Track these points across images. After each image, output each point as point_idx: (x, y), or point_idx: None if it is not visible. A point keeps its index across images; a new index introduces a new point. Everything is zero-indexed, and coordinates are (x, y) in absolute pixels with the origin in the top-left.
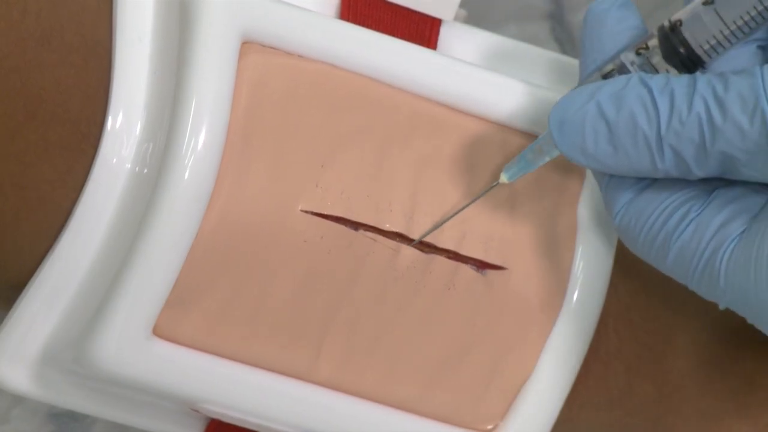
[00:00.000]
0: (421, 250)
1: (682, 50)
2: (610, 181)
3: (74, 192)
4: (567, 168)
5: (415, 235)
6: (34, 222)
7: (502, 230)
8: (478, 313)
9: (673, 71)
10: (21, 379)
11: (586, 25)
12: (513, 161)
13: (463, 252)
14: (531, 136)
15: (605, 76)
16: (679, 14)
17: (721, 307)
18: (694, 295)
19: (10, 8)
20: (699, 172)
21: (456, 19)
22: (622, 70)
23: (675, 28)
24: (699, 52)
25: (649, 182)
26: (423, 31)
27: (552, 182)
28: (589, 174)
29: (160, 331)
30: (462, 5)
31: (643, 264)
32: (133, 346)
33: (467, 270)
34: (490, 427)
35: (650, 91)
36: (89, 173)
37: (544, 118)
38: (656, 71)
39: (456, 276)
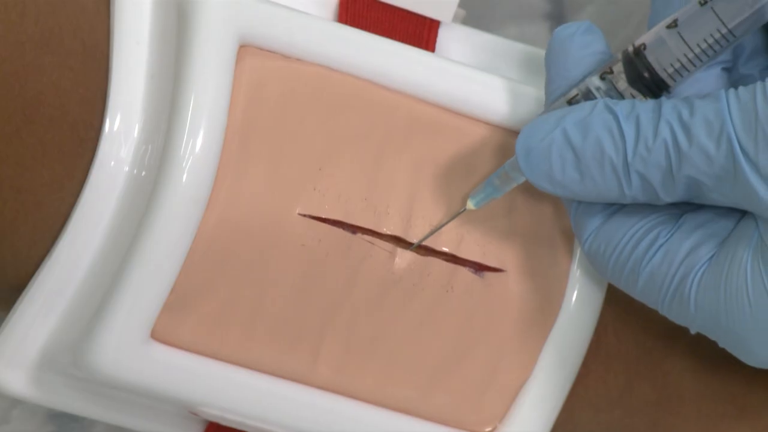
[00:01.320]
0: (419, 253)
1: (646, 74)
2: (579, 207)
3: (72, 195)
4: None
5: (413, 239)
6: (32, 225)
7: (499, 232)
8: (476, 316)
9: (638, 96)
10: (19, 382)
11: (550, 50)
12: (479, 187)
13: (461, 254)
14: None
15: (570, 102)
16: (643, 38)
17: (692, 331)
18: None
19: (8, 11)
20: (666, 198)
21: (455, 18)
22: (588, 95)
23: (639, 52)
24: (663, 75)
25: (617, 208)
26: (421, 33)
27: None
28: None
29: (158, 334)
30: (461, 5)
31: None
32: (131, 350)
33: (465, 272)
34: (489, 428)
35: (616, 118)
36: (87, 176)
37: None
38: (621, 96)
39: (454, 278)
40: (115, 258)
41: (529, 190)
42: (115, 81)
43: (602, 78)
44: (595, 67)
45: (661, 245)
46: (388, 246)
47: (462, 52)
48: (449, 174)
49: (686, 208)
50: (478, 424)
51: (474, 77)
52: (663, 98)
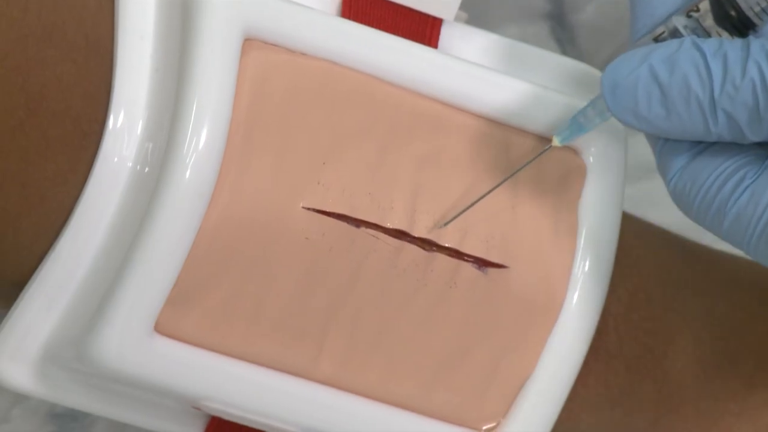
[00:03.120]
0: (423, 248)
1: (732, 13)
2: (664, 145)
3: (75, 190)
4: (568, 167)
5: (417, 233)
6: (36, 220)
7: (503, 229)
8: (480, 312)
9: (724, 34)
10: (22, 377)
11: None
12: (564, 124)
13: (465, 250)
14: (532, 135)
15: (657, 39)
16: None
17: None
18: (694, 295)
19: (11, 6)
20: (753, 137)
21: (456, 19)
22: (675, 33)
23: None
24: (750, 14)
25: (703, 147)
26: (424, 30)
27: (553, 181)
28: (589, 173)
29: (161, 328)
30: (462, 6)
31: (643, 264)
32: (134, 343)
33: (468, 268)
34: (491, 425)
35: (703, 55)
36: (90, 171)
37: (544, 116)
38: (708, 35)
39: (457, 274)
40: (118, 253)
41: (532, 186)
42: (119, 75)
43: (689, 16)
44: (681, 5)
45: (747, 186)
46: (392, 240)
47: (464, 50)
48: (453, 169)
49: None
50: (480, 421)
51: (478, 74)
52: (751, 37)
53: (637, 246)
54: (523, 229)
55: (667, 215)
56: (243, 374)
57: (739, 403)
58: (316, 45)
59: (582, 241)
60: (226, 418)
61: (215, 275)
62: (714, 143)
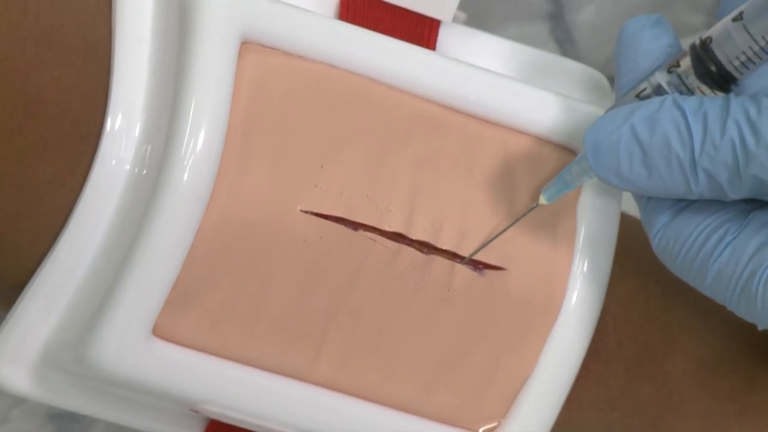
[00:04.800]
0: (420, 251)
1: (713, 68)
2: (648, 203)
3: (73, 192)
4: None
5: (414, 236)
6: (34, 222)
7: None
8: (478, 314)
9: (705, 89)
10: (21, 379)
11: (620, 44)
12: (551, 183)
13: (463, 253)
14: (531, 137)
15: (639, 96)
16: (710, 31)
17: (760, 328)
18: (693, 295)
19: (10, 8)
20: (734, 195)
21: (455, 19)
22: (658, 89)
23: (705, 45)
24: (729, 68)
25: (685, 204)
26: (422, 32)
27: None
28: None
29: (159, 331)
30: (461, 6)
31: (643, 264)
32: (132, 347)
33: (466, 271)
34: (490, 426)
35: (684, 115)
36: (89, 174)
37: (542, 117)
38: (690, 90)
39: (455, 276)
40: (116, 255)
41: (530, 188)
42: (117, 78)
43: (669, 72)
44: (665, 60)
45: (728, 243)
46: (390, 243)
47: (462, 51)
48: (451, 171)
49: (754, 204)
50: (479, 421)
51: (475, 76)
52: (731, 95)
53: (637, 246)
54: (522, 230)
55: None
56: (241, 377)
57: (739, 404)
58: (314, 48)
59: (581, 242)
60: (225, 420)
61: (213, 278)
62: (696, 200)
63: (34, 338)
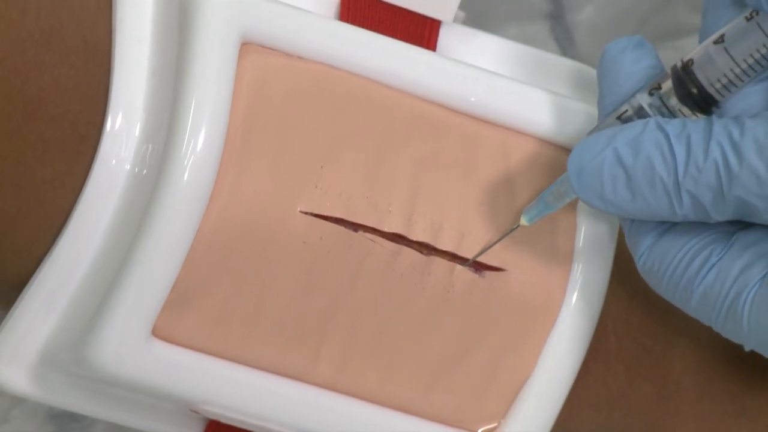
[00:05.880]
0: (420, 252)
1: (694, 90)
2: (632, 225)
3: (73, 193)
4: (565, 170)
5: (414, 237)
6: (33, 223)
7: (500, 231)
8: (478, 315)
9: (687, 111)
10: (20, 380)
11: (602, 66)
12: (532, 204)
13: (462, 253)
14: (531, 138)
15: (621, 118)
16: (691, 54)
17: (746, 349)
18: None
19: (9, 8)
20: (718, 217)
21: (454, 20)
22: (639, 111)
23: (687, 68)
24: (711, 91)
25: (670, 225)
26: (422, 32)
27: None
28: None
29: (159, 332)
30: (461, 6)
31: None
32: (132, 347)
33: (466, 272)
34: (490, 427)
35: (667, 137)
36: (88, 174)
37: (541, 117)
38: (671, 112)
39: (455, 277)
40: (116, 256)
41: (530, 189)
42: (116, 79)
43: (651, 94)
44: (647, 81)
45: (713, 264)
46: (389, 244)
47: (463, 51)
48: (451, 172)
49: (739, 225)
50: (479, 422)
51: (475, 76)
52: (714, 117)
53: None
54: (522, 231)
55: None
56: (241, 377)
57: (738, 405)
58: (314, 48)
59: (581, 243)
60: (224, 421)
61: (213, 278)
62: (680, 222)
63: (33, 338)
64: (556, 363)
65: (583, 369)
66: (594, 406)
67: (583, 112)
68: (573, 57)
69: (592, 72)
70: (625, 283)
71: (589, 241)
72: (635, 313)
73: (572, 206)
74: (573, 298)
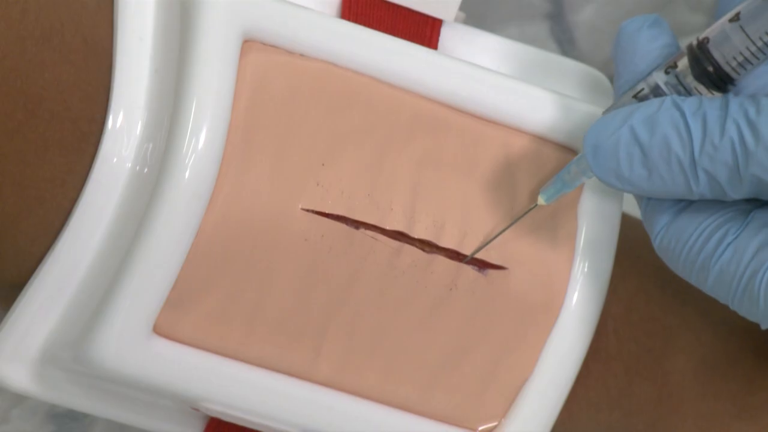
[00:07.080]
0: (422, 250)
1: (710, 68)
2: (648, 203)
3: (74, 191)
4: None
5: (416, 234)
6: (34, 221)
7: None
8: (479, 313)
9: (703, 89)
10: (21, 377)
11: (617, 45)
12: (549, 183)
13: (464, 251)
14: (532, 136)
15: (637, 96)
16: (707, 32)
17: (763, 327)
18: (694, 296)
19: (10, 8)
20: (734, 195)
21: (455, 19)
22: (655, 89)
23: (702, 46)
24: (727, 69)
25: (686, 204)
26: (424, 31)
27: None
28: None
29: (160, 329)
30: (462, 6)
31: (644, 265)
32: (133, 345)
33: (468, 270)
34: (490, 426)
35: (683, 115)
36: (89, 173)
37: (542, 116)
38: (687, 90)
39: (457, 275)
40: (117, 254)
41: (531, 188)
42: (118, 77)
43: (667, 72)
44: (663, 60)
45: (729, 243)
46: (391, 242)
47: (464, 51)
48: (452, 170)
49: (755, 203)
50: (478, 421)
51: (477, 75)
52: (730, 95)
53: (637, 246)
54: (523, 230)
55: None
56: (241, 375)
57: (739, 404)
58: (315, 46)
59: (581, 242)
60: (225, 419)
61: (214, 276)
62: (697, 200)
63: (34, 336)
64: (556, 362)
65: (584, 368)
66: (594, 405)
67: (584, 111)
68: (573, 57)
69: (593, 71)
70: (626, 282)
71: (590, 241)
72: (636, 312)
73: (574, 207)
74: (574, 297)
